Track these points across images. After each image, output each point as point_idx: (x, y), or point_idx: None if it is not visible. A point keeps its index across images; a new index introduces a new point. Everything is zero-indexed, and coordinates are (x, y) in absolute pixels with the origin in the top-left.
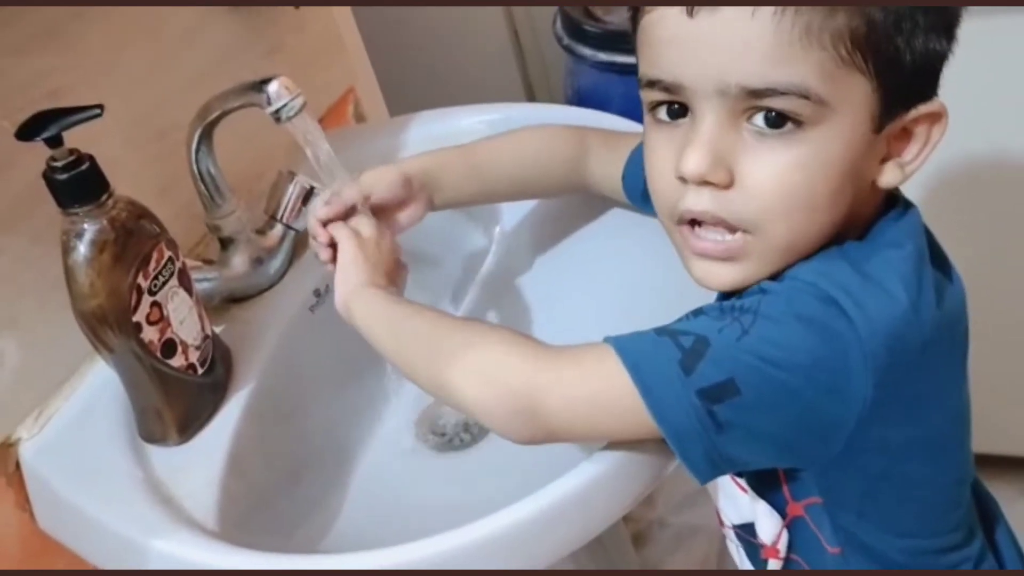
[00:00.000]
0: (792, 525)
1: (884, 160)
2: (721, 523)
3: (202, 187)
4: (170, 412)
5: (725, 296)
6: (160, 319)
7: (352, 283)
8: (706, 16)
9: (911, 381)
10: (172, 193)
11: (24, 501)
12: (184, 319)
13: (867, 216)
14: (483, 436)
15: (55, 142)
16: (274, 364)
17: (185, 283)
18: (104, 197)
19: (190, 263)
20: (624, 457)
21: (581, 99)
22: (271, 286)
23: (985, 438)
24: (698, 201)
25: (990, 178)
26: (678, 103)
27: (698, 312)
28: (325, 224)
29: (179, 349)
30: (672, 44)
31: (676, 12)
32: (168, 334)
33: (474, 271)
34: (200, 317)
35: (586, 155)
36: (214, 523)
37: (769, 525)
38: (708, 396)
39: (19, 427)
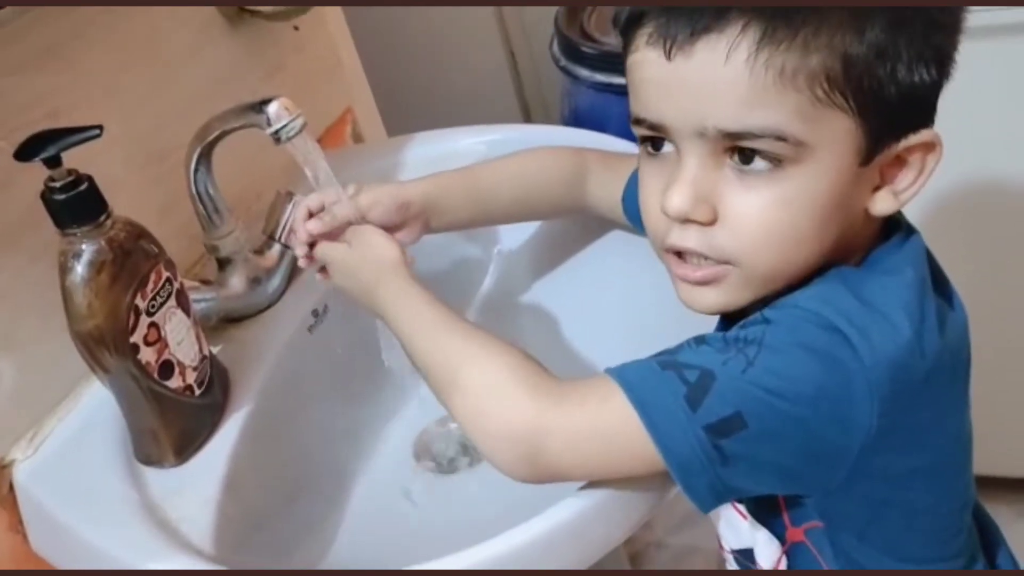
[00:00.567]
0: (791, 550)
1: (877, 188)
2: (721, 547)
3: (200, 207)
4: (167, 434)
5: (725, 320)
6: (157, 340)
7: (387, 261)
8: (682, 61)
9: (914, 410)
10: (170, 213)
11: (17, 523)
12: (182, 340)
13: (863, 243)
14: (482, 459)
15: (54, 162)
16: (272, 385)
17: (183, 304)
18: (102, 218)
19: (188, 283)
20: (623, 484)
21: (578, 120)
22: (269, 306)
23: (983, 459)
24: (683, 237)
25: (989, 200)
26: (663, 139)
27: (700, 340)
28: (312, 244)
29: (176, 370)
30: (652, 85)
31: (656, 55)
32: (165, 355)
33: (473, 291)
34: (198, 338)
35: (585, 176)
36: (211, 546)
37: (768, 552)
38: (715, 431)
39: (13, 448)
